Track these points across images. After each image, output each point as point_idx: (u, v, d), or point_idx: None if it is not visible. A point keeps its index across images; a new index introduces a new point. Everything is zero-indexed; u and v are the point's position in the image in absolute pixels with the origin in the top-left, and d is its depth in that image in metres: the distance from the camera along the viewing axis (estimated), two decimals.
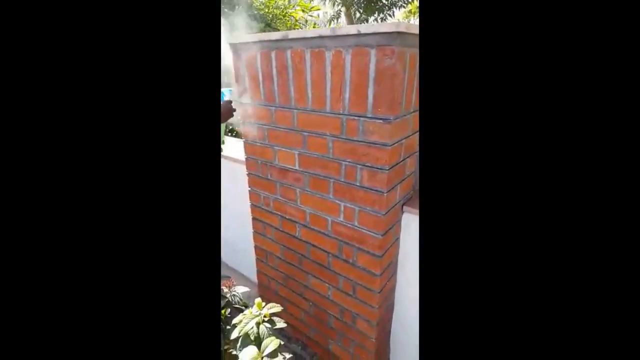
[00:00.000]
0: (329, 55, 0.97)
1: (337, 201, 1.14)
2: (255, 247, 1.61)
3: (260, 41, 1.12)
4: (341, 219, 1.16)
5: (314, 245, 1.30)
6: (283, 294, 1.57)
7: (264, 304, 1.13)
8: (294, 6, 4.23)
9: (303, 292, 1.46)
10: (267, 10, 3.86)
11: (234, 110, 1.19)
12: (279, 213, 1.39)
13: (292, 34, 1.02)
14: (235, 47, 1.23)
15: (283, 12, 4.06)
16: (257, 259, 1.63)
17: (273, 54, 1.11)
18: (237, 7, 3.29)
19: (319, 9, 4.91)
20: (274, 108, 1.20)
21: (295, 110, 1.13)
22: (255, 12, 3.62)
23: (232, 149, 1.87)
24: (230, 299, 1.36)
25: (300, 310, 1.52)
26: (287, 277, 1.51)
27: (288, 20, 4.15)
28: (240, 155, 1.67)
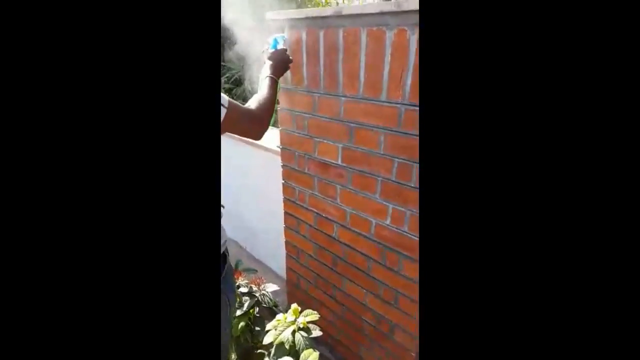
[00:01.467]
0: (390, 35, 0.83)
1: (384, 202, 1.02)
2: (286, 242, 1.52)
3: (307, 18, 0.99)
4: (388, 222, 1.03)
5: (352, 248, 1.19)
6: (313, 293, 1.48)
7: (298, 308, 1.04)
8: None
9: (335, 294, 1.36)
10: None
11: (291, 60, 1.03)
12: (315, 210, 1.28)
13: (347, 9, 0.88)
14: (277, 24, 1.10)
15: None
16: (287, 255, 1.55)
17: (321, 33, 0.98)
18: None
19: None
20: (317, 95, 1.08)
21: (342, 98, 1.01)
22: None
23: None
24: (260, 299, 1.29)
25: (331, 312, 1.43)
26: (318, 277, 1.41)
27: (319, 2, 3.95)
28: (273, 144, 1.56)
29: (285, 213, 1.46)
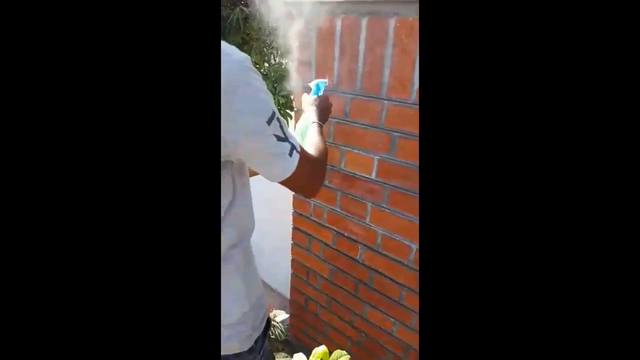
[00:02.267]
0: None
1: None
2: (293, 260, 1.34)
3: (345, 1, 0.80)
4: None
5: (381, 274, 1.04)
6: (325, 317, 1.32)
7: (326, 350, 0.88)
8: None
9: (353, 320, 1.21)
10: None
11: (331, 105, 0.87)
12: (335, 228, 1.11)
13: None
14: (300, 8, 0.90)
15: None
16: (294, 274, 1.37)
17: (364, 22, 0.80)
18: None
19: None
20: (350, 96, 0.90)
21: (386, 102, 0.84)
22: None
23: None
24: (270, 331, 1.10)
25: (345, 338, 1.28)
26: (333, 300, 1.25)
27: None
28: None
29: (295, 228, 1.27)
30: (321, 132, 0.71)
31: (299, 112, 1.07)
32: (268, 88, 1.79)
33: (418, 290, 0.97)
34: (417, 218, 0.89)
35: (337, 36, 0.86)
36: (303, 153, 0.52)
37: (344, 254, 1.12)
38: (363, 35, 0.81)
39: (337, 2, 0.82)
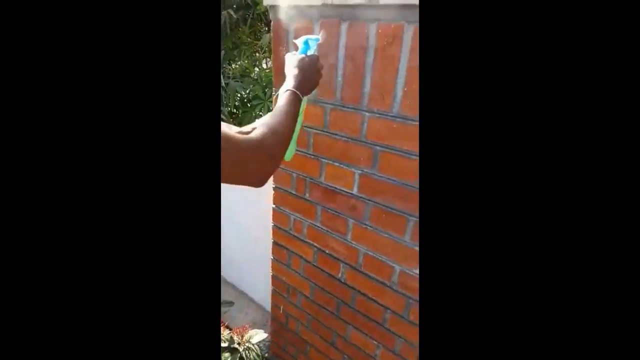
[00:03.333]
0: None
1: (416, 247, 0.81)
2: (274, 277, 1.27)
3: (325, 5, 0.74)
4: (418, 270, 0.83)
5: (364, 295, 0.97)
6: (306, 337, 1.25)
7: None
8: None
9: (336, 341, 1.14)
10: None
11: (321, 75, 0.72)
12: (316, 244, 1.05)
13: None
14: (276, 11, 0.84)
15: None
16: (274, 291, 1.29)
17: (344, 27, 0.74)
18: None
19: None
20: (329, 106, 0.84)
21: (367, 114, 0.78)
22: None
23: None
24: (243, 354, 1.03)
25: (327, 359, 1.21)
26: (314, 319, 1.18)
27: None
28: None
29: (275, 243, 1.20)
30: (292, 104, 0.57)
31: None
32: (258, 93, 1.71)
33: (402, 314, 0.91)
34: (401, 237, 0.83)
35: None
36: (227, 142, 0.42)
37: (325, 271, 1.06)
38: (343, 41, 0.75)
39: (316, 6, 0.76)
